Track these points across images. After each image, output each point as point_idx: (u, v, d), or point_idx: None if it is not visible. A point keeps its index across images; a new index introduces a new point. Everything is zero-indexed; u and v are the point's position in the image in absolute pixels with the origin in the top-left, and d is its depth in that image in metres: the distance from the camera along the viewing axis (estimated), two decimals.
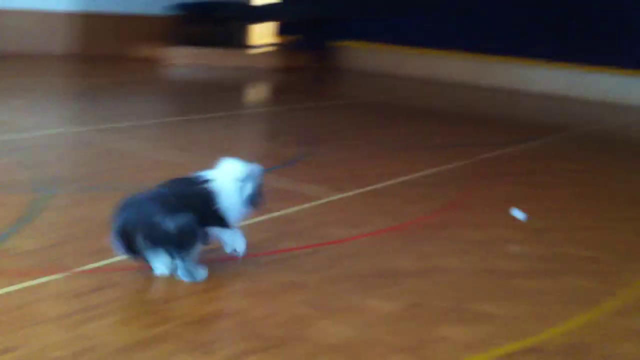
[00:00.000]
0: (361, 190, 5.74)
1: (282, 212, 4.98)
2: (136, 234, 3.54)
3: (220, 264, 3.97)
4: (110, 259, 3.90)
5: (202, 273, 3.73)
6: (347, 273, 3.96)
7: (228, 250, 3.91)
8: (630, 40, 12.25)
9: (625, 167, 7.25)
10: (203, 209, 3.67)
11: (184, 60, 14.25)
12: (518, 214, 5.22)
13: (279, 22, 16.47)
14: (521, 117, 10.60)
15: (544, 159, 7.51)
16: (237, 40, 16.77)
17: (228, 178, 3.78)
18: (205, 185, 3.74)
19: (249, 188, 3.81)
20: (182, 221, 3.55)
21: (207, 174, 3.82)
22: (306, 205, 5.19)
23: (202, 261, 3.75)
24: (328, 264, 4.09)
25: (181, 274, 3.68)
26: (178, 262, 3.66)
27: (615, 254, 4.55)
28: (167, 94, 11.22)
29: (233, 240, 3.88)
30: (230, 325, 3.28)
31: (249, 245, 4.14)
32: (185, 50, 14.43)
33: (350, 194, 5.60)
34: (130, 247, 3.59)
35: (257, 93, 12.35)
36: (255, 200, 3.87)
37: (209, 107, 9.40)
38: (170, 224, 3.53)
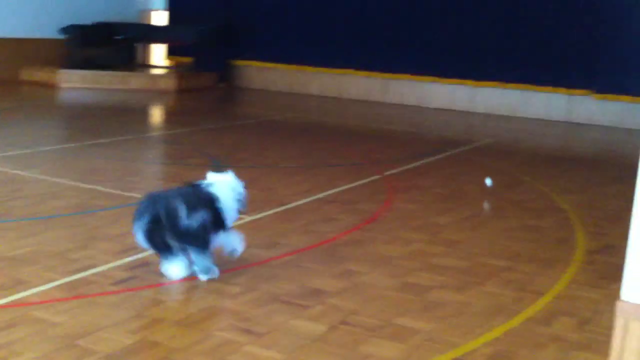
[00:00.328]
0: (278, 209, 5.68)
1: None
2: (163, 229, 3.83)
3: (137, 292, 3.81)
4: (16, 294, 3.68)
5: (216, 270, 4.06)
6: (272, 295, 3.89)
7: (227, 250, 4.19)
8: (522, 56, 12.85)
9: (527, 177, 7.54)
10: (212, 211, 4.00)
11: (80, 84, 13.80)
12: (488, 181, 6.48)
13: (174, 44, 16.25)
14: (426, 132, 10.86)
15: (453, 171, 7.70)
16: (134, 62, 16.43)
17: (224, 185, 4.15)
18: (210, 191, 4.07)
19: (240, 194, 4.22)
20: (203, 218, 3.90)
21: (205, 182, 4.15)
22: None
23: (120, 290, 3.59)
24: (251, 286, 4.01)
25: (199, 271, 3.99)
26: (197, 259, 3.96)
27: (530, 262, 4.68)
28: (64, 119, 10.81)
29: (232, 241, 4.20)
30: (155, 357, 3.14)
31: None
32: (82, 73, 13.99)
33: (267, 214, 5.53)
34: (155, 241, 3.87)
35: (157, 116, 12.09)
36: (243, 205, 4.26)
37: (109, 131, 9.10)
38: (194, 221, 3.86)
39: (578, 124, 12.53)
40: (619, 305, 2.83)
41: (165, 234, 3.84)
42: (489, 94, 13.41)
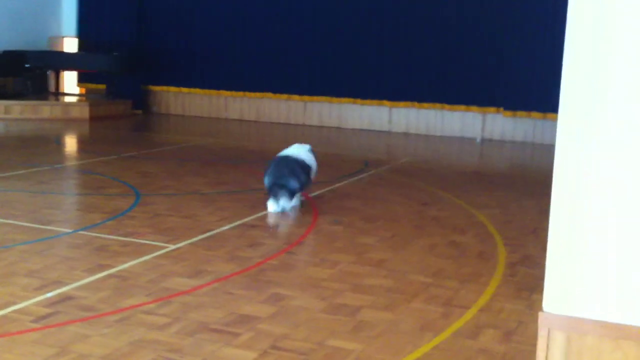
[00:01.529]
0: (201, 236, 5.61)
1: (120, 267, 4.74)
2: (277, 186, 6.46)
3: (61, 328, 3.68)
4: None
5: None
6: (201, 324, 3.83)
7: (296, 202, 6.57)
8: (436, 76, 13.23)
9: (446, 194, 7.72)
10: (307, 174, 6.67)
11: None
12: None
13: (86, 71, 15.91)
14: (347, 153, 10.98)
15: (375, 191, 7.81)
16: (46, 91, 15.98)
17: (306, 153, 6.87)
18: (303, 159, 6.71)
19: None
20: (301, 181, 6.54)
21: (294, 151, 6.84)
22: (145, 258, 4.98)
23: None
24: (179, 316, 3.93)
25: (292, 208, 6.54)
26: (294, 203, 6.55)
27: (454, 277, 4.79)
28: None
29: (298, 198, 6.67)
30: None
31: (91, 308, 3.95)
32: None
33: (189, 241, 5.45)
34: (273, 191, 6.46)
35: (72, 145, 11.77)
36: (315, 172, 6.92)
37: (22, 162, 8.79)
38: (295, 183, 6.50)
39: (492, 140, 12.96)
40: (541, 316, 2.93)
41: (278, 188, 6.45)
42: (406, 114, 13.72)
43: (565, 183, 2.82)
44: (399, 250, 5.46)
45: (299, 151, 6.83)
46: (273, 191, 6.47)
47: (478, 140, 6.55)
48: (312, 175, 6.84)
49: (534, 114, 12.62)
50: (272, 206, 6.46)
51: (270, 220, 6.37)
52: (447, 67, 13.16)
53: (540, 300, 3.06)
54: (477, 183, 8.62)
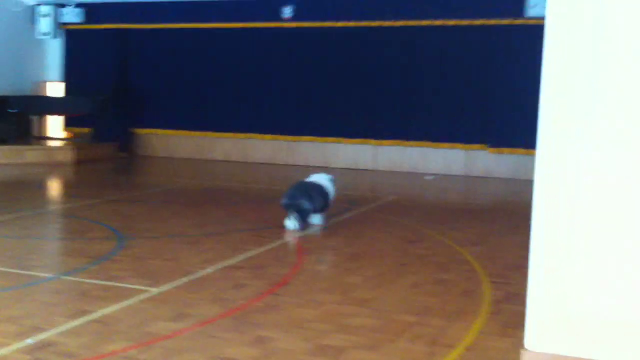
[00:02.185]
0: (185, 279, 5.55)
1: (102, 313, 4.67)
2: (292, 206, 7.41)
3: None
4: None
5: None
6: None
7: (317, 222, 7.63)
8: (420, 115, 13.35)
9: (431, 231, 7.72)
10: (324, 198, 7.70)
11: None
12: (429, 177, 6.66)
13: (71, 115, 15.91)
14: None
15: (359, 229, 7.79)
16: (30, 135, 15.94)
17: (326, 181, 7.89)
18: (322, 185, 7.76)
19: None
20: (314, 203, 7.52)
21: (315, 178, 7.90)
22: (128, 303, 4.92)
23: None
24: None
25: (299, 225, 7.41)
26: (308, 221, 7.54)
27: (440, 316, 4.76)
28: None
29: (321, 219, 7.72)
30: None
31: (72, 355, 3.90)
32: None
33: (174, 284, 5.39)
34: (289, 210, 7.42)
35: (55, 189, 11.71)
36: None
37: (4, 208, 8.72)
38: (308, 204, 7.46)
39: (476, 177, 13.02)
40: (524, 355, 2.91)
41: (293, 207, 7.42)
42: (390, 153, 13.79)
43: (544, 220, 2.83)
44: (384, 289, 5.42)
45: (320, 178, 7.92)
46: (289, 210, 7.45)
47: (431, 178, 6.67)
48: (330, 200, 7.83)
49: (519, 150, 12.71)
50: (288, 224, 7.45)
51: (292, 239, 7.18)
52: (432, 105, 13.27)
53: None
54: (462, 220, 8.63)
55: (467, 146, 13.15)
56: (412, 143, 13.54)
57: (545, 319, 2.85)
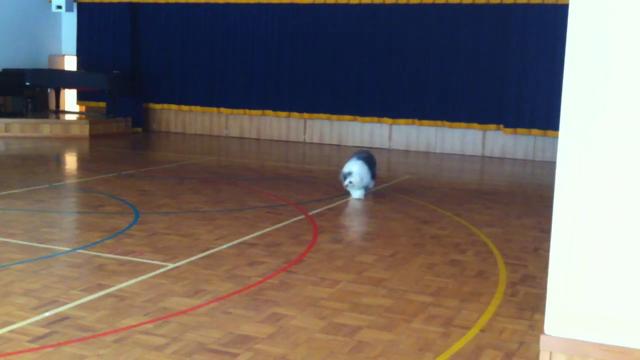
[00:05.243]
0: (200, 255, 5.57)
1: (117, 287, 4.70)
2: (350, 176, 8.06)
3: (58, 349, 3.64)
4: None
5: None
6: (199, 344, 3.79)
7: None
8: (437, 94, 13.26)
9: (446, 211, 7.70)
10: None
11: None
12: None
13: (85, 89, 15.94)
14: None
15: (374, 209, 7.78)
16: (45, 109, 16.00)
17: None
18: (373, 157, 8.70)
19: None
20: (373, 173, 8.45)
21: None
22: (143, 278, 4.94)
23: None
24: (177, 336, 3.89)
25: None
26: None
27: (455, 297, 4.75)
28: None
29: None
30: None
31: (88, 328, 3.92)
32: None
33: (187, 260, 5.41)
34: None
35: (71, 163, 11.76)
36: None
37: (21, 181, 8.78)
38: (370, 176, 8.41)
39: (492, 157, 12.95)
40: (543, 340, 2.90)
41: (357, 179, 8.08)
42: (406, 132, 13.72)
43: (566, 202, 2.79)
44: (398, 269, 5.42)
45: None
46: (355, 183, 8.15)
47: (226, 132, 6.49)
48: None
49: (535, 131, 12.62)
50: (358, 194, 8.22)
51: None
52: (448, 84, 13.17)
53: (542, 320, 3.02)
54: (478, 201, 8.59)
55: (482, 126, 13.06)
56: (427, 122, 13.46)
57: (565, 303, 2.83)
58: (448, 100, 13.20)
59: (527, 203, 8.55)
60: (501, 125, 12.92)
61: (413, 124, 13.59)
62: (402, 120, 13.64)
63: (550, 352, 2.85)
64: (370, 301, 4.60)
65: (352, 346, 3.84)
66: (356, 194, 8.23)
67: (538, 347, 3.01)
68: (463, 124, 13.16)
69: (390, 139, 13.88)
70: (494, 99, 12.86)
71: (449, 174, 11.15)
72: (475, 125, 13.08)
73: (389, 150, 13.65)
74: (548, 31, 12.16)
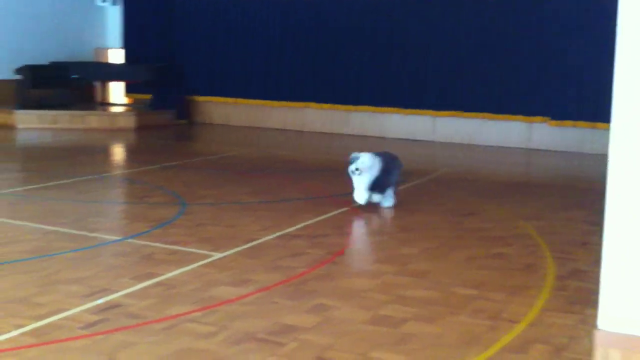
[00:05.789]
0: (244, 246, 5.62)
1: (165, 277, 4.77)
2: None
3: (108, 336, 3.72)
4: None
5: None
6: (245, 333, 3.83)
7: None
8: (480, 85, 13.11)
9: (489, 204, 7.62)
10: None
11: (37, 124, 13.60)
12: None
13: (130, 82, 16.19)
14: None
15: (415, 201, 7.74)
16: (92, 101, 16.28)
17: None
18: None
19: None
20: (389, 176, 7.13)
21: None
22: (189, 267, 5.01)
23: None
24: (223, 325, 3.94)
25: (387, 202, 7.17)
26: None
27: (500, 290, 4.70)
28: (22, 161, 10.60)
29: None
30: None
31: (138, 316, 3.99)
32: (39, 113, 13.79)
33: (233, 251, 5.47)
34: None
35: (117, 154, 11.95)
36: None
37: (69, 172, 8.96)
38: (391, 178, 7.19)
39: (537, 150, 12.77)
40: (597, 335, 2.85)
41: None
42: (449, 124, 13.60)
43: (620, 195, 2.74)
44: (441, 261, 5.39)
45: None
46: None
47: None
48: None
49: (581, 123, 12.38)
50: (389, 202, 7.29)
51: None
52: (492, 75, 12.98)
53: (593, 315, 2.98)
54: (522, 193, 8.48)
55: (527, 118, 12.86)
56: (470, 114, 13.31)
57: (620, 298, 2.78)
58: (492, 92, 13.02)
59: (574, 196, 8.40)
60: (547, 118, 12.71)
61: (456, 115, 13.46)
62: (444, 112, 13.52)
63: (605, 348, 2.81)
64: (414, 294, 4.59)
65: (397, 338, 3.84)
66: (358, 191, 7.00)
67: (589, 342, 2.97)
68: (507, 116, 12.99)
69: (432, 131, 13.77)
70: (540, 91, 12.65)
71: (491, 166, 11.03)
72: (520, 117, 12.89)
73: (432, 142, 13.55)
74: (597, 18, 11.80)
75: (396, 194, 7.27)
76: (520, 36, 12.76)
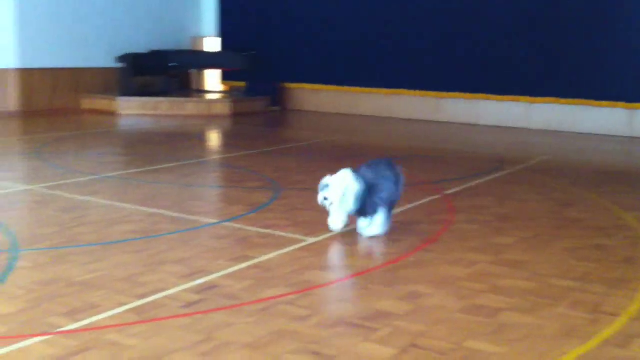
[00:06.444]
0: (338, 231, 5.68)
1: (260, 259, 4.89)
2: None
3: (207, 315, 3.85)
4: (89, 318, 3.75)
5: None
6: (338, 317, 3.88)
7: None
8: (578, 71, 12.67)
9: (589, 194, 7.38)
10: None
11: (138, 111, 14.15)
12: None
13: (225, 69, 16.56)
14: (482, 150, 10.74)
15: (511, 189, 7.59)
16: (189, 88, 16.76)
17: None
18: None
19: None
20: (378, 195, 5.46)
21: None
22: (284, 251, 5.11)
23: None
24: (318, 309, 4.01)
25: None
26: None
27: (600, 282, 4.57)
28: (125, 146, 11.06)
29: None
30: None
31: (235, 297, 4.10)
32: (140, 100, 14.33)
33: (325, 236, 5.53)
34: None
35: (214, 140, 12.27)
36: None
37: (169, 156, 9.28)
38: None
39: (639, 138, 12.23)
40: None
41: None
42: (545, 110, 13.22)
43: None
44: (538, 251, 5.27)
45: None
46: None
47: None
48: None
49: None
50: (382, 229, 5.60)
51: None
52: (591, 59, 12.54)
53: None
54: (624, 183, 8.16)
55: (630, 105, 12.33)
56: (568, 100, 12.91)
57: None
58: (592, 77, 12.57)
59: None
60: None
61: (552, 102, 13.07)
62: (540, 99, 13.16)
63: None
64: (510, 283, 4.52)
65: (493, 328, 3.80)
66: (333, 219, 5.48)
67: None
68: (608, 103, 12.50)
69: (527, 118, 13.43)
70: None
71: (590, 154, 10.66)
72: (622, 104, 12.38)
73: (527, 129, 13.21)
74: None
75: (390, 218, 5.61)
76: (621, 19, 12.24)
